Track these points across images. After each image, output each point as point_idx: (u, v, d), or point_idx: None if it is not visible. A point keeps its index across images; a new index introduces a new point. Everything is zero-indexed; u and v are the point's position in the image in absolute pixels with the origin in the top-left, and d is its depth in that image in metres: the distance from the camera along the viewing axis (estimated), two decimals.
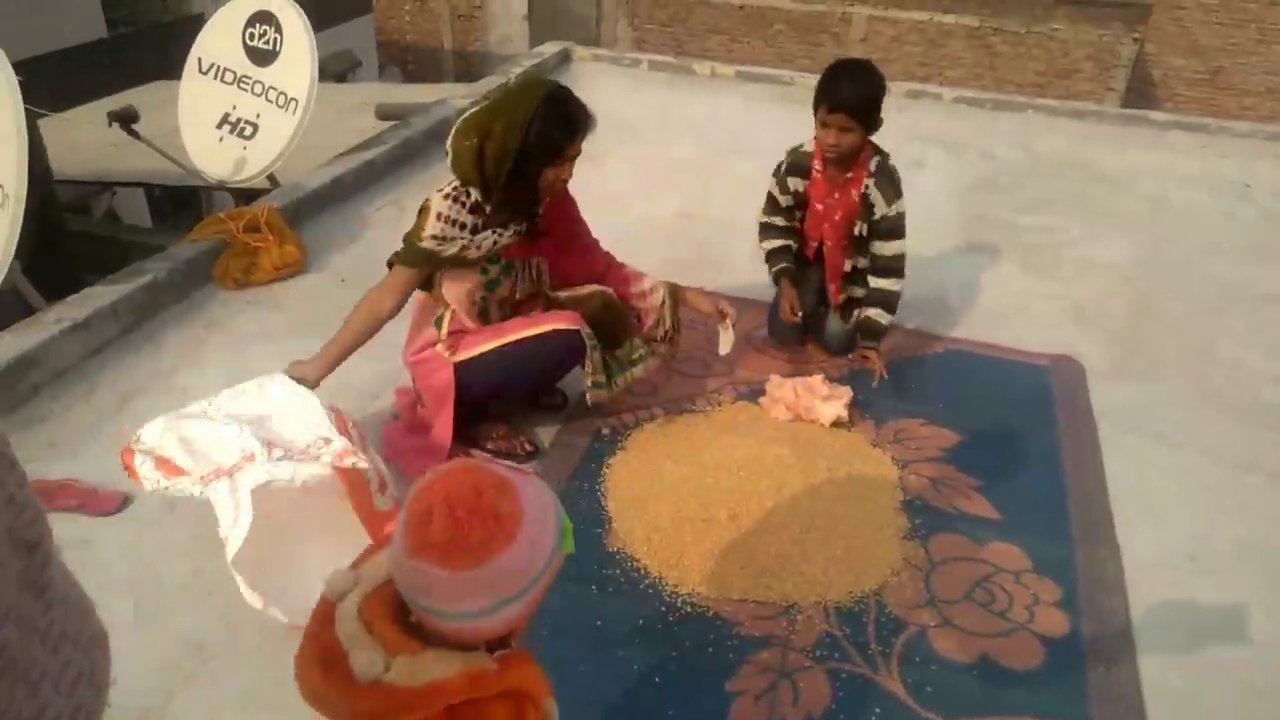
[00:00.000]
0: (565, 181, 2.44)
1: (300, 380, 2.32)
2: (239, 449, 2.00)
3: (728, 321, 2.75)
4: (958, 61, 13.12)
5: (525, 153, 2.26)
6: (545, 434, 2.68)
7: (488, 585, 1.05)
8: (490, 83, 5.57)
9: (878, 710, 1.91)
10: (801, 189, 2.97)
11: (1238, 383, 3.14)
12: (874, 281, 2.95)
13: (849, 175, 2.85)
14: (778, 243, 3.08)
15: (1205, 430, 2.89)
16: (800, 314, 2.98)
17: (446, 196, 2.33)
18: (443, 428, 2.47)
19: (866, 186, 2.83)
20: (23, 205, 3.03)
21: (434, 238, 2.32)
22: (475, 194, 2.33)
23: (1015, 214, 4.38)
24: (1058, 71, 12.85)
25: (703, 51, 13.62)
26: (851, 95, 2.68)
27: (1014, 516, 2.44)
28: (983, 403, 2.90)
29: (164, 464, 2.10)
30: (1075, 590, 2.23)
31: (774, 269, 3.09)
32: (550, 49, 6.37)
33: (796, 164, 2.97)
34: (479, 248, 2.37)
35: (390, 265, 2.47)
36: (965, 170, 4.88)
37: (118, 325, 3.02)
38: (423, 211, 2.36)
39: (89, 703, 0.77)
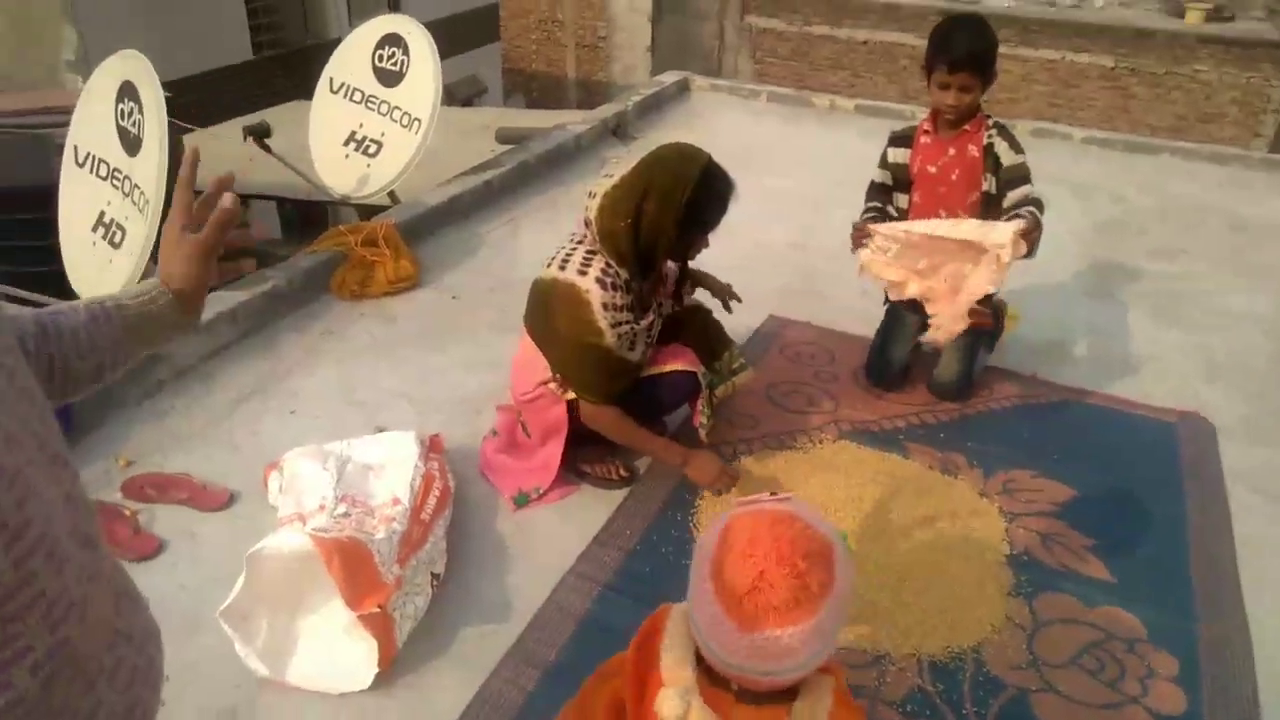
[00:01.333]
0: (702, 249, 2.44)
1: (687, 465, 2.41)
2: (319, 497, 2.09)
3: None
4: (1090, 103, 12.66)
5: (682, 227, 2.24)
6: (641, 461, 2.66)
7: (830, 624, 1.05)
8: (608, 109, 5.64)
9: None
10: (903, 159, 2.86)
11: None
12: (1010, 202, 2.67)
13: (965, 129, 2.74)
14: (873, 207, 2.92)
15: None
16: (872, 243, 2.71)
17: (599, 282, 2.24)
18: (550, 458, 2.47)
19: (990, 137, 2.73)
20: (160, 210, 3.20)
21: (619, 336, 2.26)
22: (625, 273, 2.29)
23: (1146, 260, 4.16)
24: (1199, 116, 12.25)
25: (825, 86, 13.50)
26: (970, 51, 2.60)
27: (1130, 581, 2.29)
28: (1101, 457, 2.74)
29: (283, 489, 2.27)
30: (1196, 665, 2.07)
31: (864, 218, 2.85)
32: (669, 78, 6.43)
33: (899, 136, 2.90)
34: (641, 336, 2.34)
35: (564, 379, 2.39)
36: (1093, 213, 4.67)
37: (237, 329, 3.15)
38: (581, 303, 2.23)
39: (145, 699, 0.79)
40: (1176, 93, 12.23)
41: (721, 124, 5.93)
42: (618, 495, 2.52)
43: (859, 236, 2.75)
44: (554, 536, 2.38)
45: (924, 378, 3.02)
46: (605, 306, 2.24)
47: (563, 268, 2.30)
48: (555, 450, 2.46)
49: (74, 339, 0.98)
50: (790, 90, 6.72)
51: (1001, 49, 2.77)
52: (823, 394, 3.00)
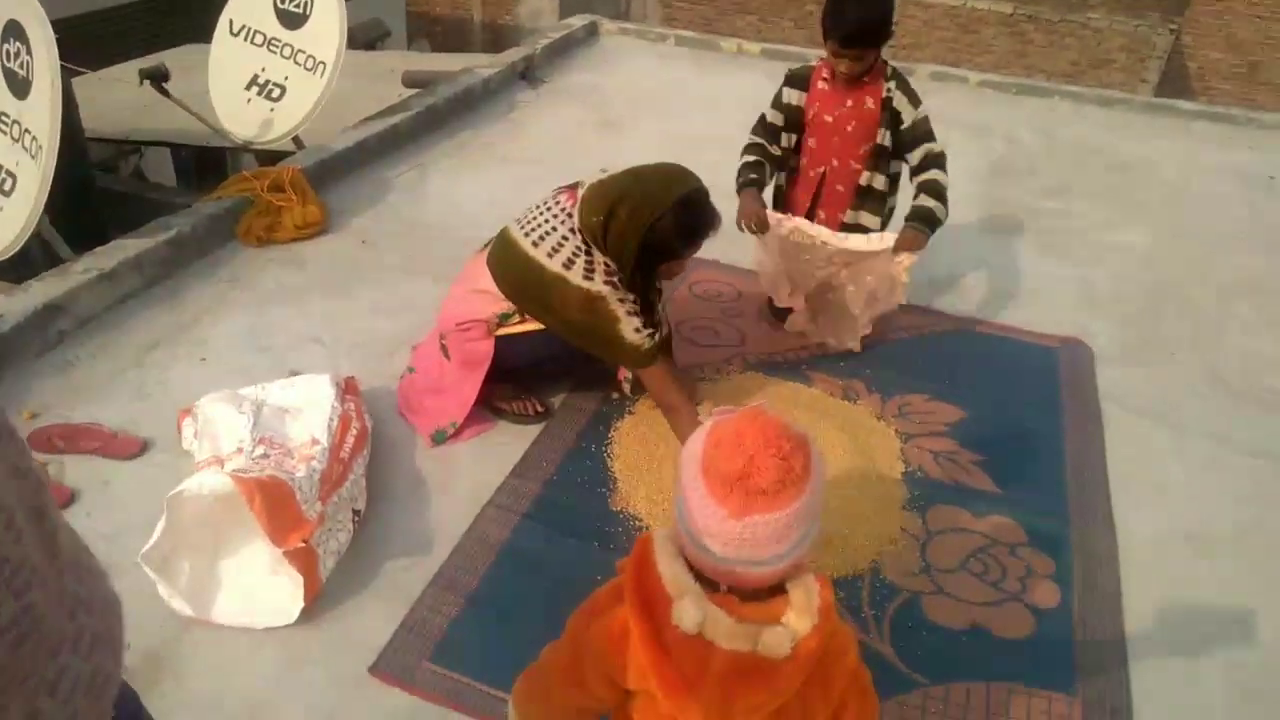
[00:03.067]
0: (679, 274, 2.51)
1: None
2: (237, 440, 2.11)
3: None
4: (989, 48, 12.98)
5: (644, 248, 2.30)
6: (555, 397, 2.73)
7: (811, 510, 1.12)
8: (516, 53, 5.60)
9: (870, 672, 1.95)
10: (796, 101, 2.86)
11: (1248, 370, 3.14)
12: (918, 177, 2.77)
13: (863, 83, 2.76)
14: (752, 158, 2.91)
15: (1212, 416, 2.90)
16: (760, 228, 2.79)
17: (607, 284, 2.32)
18: (469, 392, 2.52)
19: (888, 90, 2.75)
20: (54, 157, 3.10)
21: (635, 329, 2.34)
22: (615, 272, 2.35)
23: (1035, 198, 4.37)
24: (1091, 61, 12.68)
25: (732, 31, 13.52)
26: (860, 28, 2.61)
27: (1013, 491, 2.47)
28: (989, 381, 2.93)
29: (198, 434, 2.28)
30: (1069, 564, 2.26)
31: (743, 179, 2.88)
32: (578, 21, 6.38)
33: (795, 76, 2.89)
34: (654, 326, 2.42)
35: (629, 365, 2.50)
36: (987, 153, 4.87)
37: (142, 278, 3.09)
38: (597, 299, 2.32)
39: (106, 665, 0.78)
40: (1070, 39, 12.63)
41: (630, 67, 5.94)
42: (533, 430, 2.59)
43: (751, 220, 2.79)
44: (472, 471, 2.44)
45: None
46: (621, 301, 2.33)
47: (567, 267, 2.32)
48: (474, 385, 2.51)
49: None
50: (698, 34, 6.75)
51: None
52: (730, 329, 3.10)
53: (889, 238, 2.73)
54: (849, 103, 2.81)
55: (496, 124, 4.86)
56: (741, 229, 2.82)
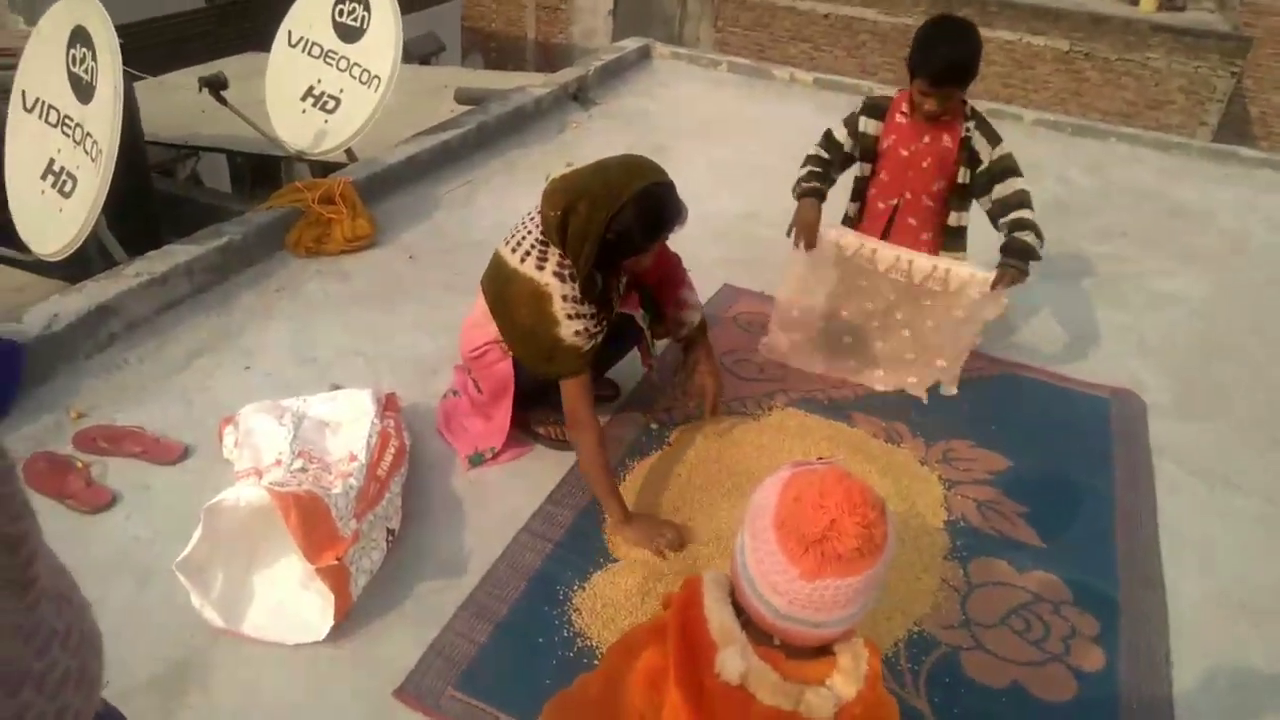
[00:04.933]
0: (645, 266, 2.36)
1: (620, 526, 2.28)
2: (276, 452, 2.12)
3: (705, 406, 2.64)
4: (1044, 85, 12.85)
5: (605, 243, 2.18)
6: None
7: (881, 578, 1.09)
8: (569, 74, 5.63)
9: None
10: (873, 131, 2.80)
11: None
12: (1006, 217, 2.70)
13: (944, 120, 2.71)
14: (816, 169, 2.83)
15: (1268, 475, 2.81)
16: (807, 244, 2.71)
17: (557, 276, 2.22)
18: (502, 416, 2.50)
19: (968, 130, 2.71)
20: (113, 161, 3.15)
21: (575, 332, 2.23)
22: (570, 265, 2.25)
23: (1088, 242, 4.29)
24: (1148, 102, 12.51)
25: (785, 58, 13.53)
26: (951, 67, 2.57)
27: (1058, 546, 2.41)
28: (1037, 429, 2.86)
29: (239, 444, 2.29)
30: (1115, 626, 2.19)
31: (805, 185, 2.79)
32: (631, 44, 6.41)
33: (874, 105, 2.83)
34: (601, 328, 2.31)
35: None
36: (1039, 194, 4.71)
37: (192, 284, 3.12)
38: (543, 296, 2.22)
39: (76, 704, 0.76)
40: (1127, 79, 12.47)
41: (681, 93, 5.95)
42: (570, 456, 2.57)
43: (802, 232, 2.72)
44: (508, 494, 2.43)
45: None
46: (564, 299, 2.23)
47: (523, 260, 2.27)
48: (505, 409, 2.49)
49: None
50: (750, 61, 6.74)
51: None
52: (772, 363, 3.07)
53: (981, 275, 2.65)
54: (927, 139, 2.76)
55: (546, 144, 4.88)
56: (789, 236, 2.76)
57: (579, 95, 5.53)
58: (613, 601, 2.09)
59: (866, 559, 1.06)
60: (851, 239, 2.73)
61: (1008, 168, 2.73)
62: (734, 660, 1.11)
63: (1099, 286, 3.89)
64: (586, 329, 2.26)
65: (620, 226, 2.16)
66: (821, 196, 2.79)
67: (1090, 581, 2.31)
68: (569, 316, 2.23)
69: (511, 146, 4.76)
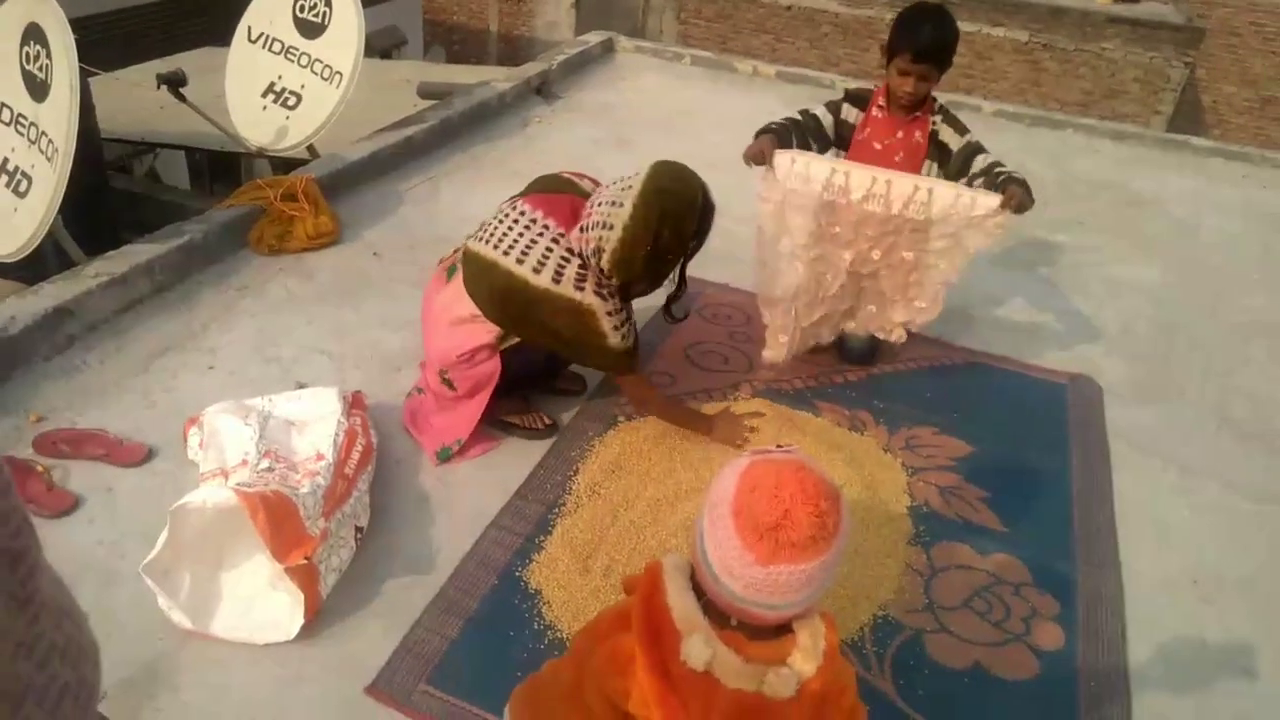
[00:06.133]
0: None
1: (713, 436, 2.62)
2: (242, 452, 2.11)
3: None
4: (1003, 75, 13.01)
5: (689, 251, 2.42)
6: (565, 412, 2.74)
7: (833, 564, 1.12)
8: (532, 68, 5.61)
9: (867, 709, 1.93)
10: (853, 120, 2.87)
11: (1258, 413, 3.13)
12: (995, 177, 2.66)
13: (914, 115, 2.80)
14: (781, 123, 2.82)
15: (1221, 458, 2.88)
16: (755, 160, 2.69)
17: (598, 295, 2.34)
18: (475, 409, 2.50)
19: (934, 124, 2.80)
20: (70, 161, 3.11)
21: (622, 337, 2.40)
22: (615, 282, 2.37)
23: (1046, 231, 4.36)
24: (1105, 92, 12.70)
25: (748, 50, 13.58)
26: (934, 43, 2.65)
27: (1018, 530, 2.46)
28: (997, 416, 2.91)
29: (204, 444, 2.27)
30: (1073, 606, 2.24)
31: (762, 127, 2.78)
32: (594, 38, 6.41)
33: (856, 95, 2.89)
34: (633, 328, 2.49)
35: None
36: None
37: (152, 283, 3.09)
38: (586, 314, 2.34)
39: (73, 718, 0.76)
40: (1084, 69, 12.66)
41: (645, 86, 5.96)
42: (539, 450, 2.59)
43: (754, 152, 2.67)
44: (476, 490, 2.44)
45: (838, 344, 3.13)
46: (609, 314, 2.36)
47: (556, 281, 2.31)
48: (480, 403, 2.50)
49: None
50: (713, 54, 6.77)
51: None
52: (738, 354, 3.10)
53: (982, 198, 2.56)
54: (899, 134, 2.82)
55: (510, 138, 4.87)
56: (746, 161, 2.75)
57: (542, 89, 5.52)
58: (575, 590, 2.11)
59: (819, 545, 1.09)
60: (817, 162, 2.63)
61: (978, 148, 2.79)
62: (698, 648, 1.15)
63: (1058, 275, 3.96)
64: (630, 330, 2.44)
65: (703, 228, 2.38)
66: (779, 140, 2.75)
67: (1049, 563, 2.36)
68: (615, 328, 2.37)
69: (476, 141, 4.75)
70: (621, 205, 2.29)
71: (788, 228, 2.70)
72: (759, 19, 14.10)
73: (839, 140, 2.93)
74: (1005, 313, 3.60)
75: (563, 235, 2.37)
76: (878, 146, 2.87)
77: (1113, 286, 3.91)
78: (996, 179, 2.64)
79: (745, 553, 1.10)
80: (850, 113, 2.88)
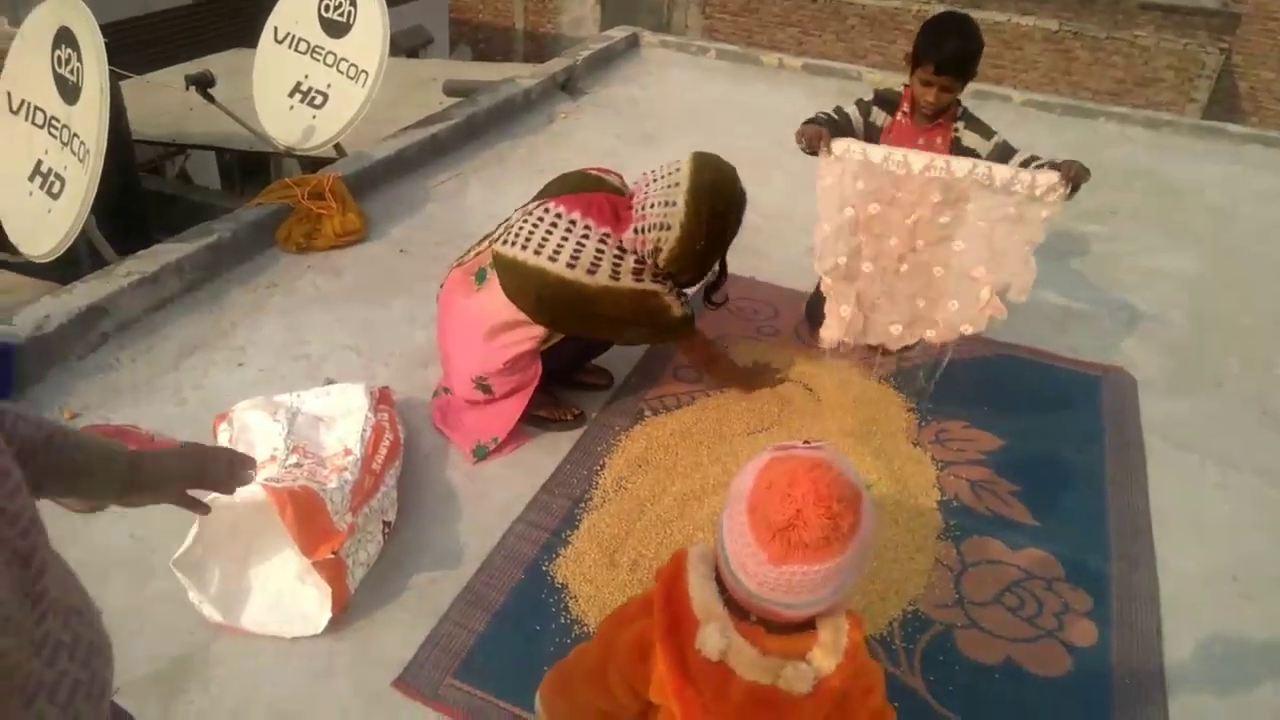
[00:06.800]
0: None
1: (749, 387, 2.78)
2: (271, 448, 2.12)
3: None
4: (1033, 65, 12.86)
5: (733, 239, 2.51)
6: (589, 405, 2.74)
7: (852, 566, 1.11)
8: (557, 65, 5.62)
9: (896, 705, 1.90)
10: (880, 123, 2.86)
11: None
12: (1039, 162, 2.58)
13: (939, 121, 2.77)
14: (823, 115, 2.76)
15: (1260, 450, 2.83)
16: (810, 145, 2.61)
17: (656, 281, 2.40)
18: (514, 408, 2.51)
19: (956, 130, 2.76)
20: (101, 162, 3.15)
21: (682, 305, 2.47)
22: (664, 274, 2.43)
23: (1078, 221, 4.29)
24: (1137, 80, 12.51)
25: (774, 44, 13.51)
26: (958, 55, 2.62)
27: (1051, 524, 2.42)
28: (1029, 409, 2.87)
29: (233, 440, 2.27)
30: (1107, 602, 2.21)
31: (809, 119, 2.71)
32: (619, 34, 6.40)
33: (886, 97, 2.86)
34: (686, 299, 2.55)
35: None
36: None
37: (183, 282, 3.13)
38: (649, 295, 2.39)
39: (85, 713, 0.77)
40: (1116, 57, 12.47)
41: (670, 80, 5.94)
42: (565, 444, 2.59)
43: (813, 137, 2.59)
44: (504, 485, 2.44)
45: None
46: (669, 291, 2.43)
47: (615, 277, 2.33)
48: (519, 402, 2.50)
49: (31, 448, 0.97)
50: (738, 48, 6.74)
51: (949, 9, 2.75)
52: (765, 345, 3.07)
53: (1041, 175, 2.47)
54: (920, 141, 2.77)
55: (536, 135, 4.87)
56: (800, 144, 2.67)
57: (567, 85, 5.52)
58: (602, 584, 2.11)
59: (833, 546, 1.07)
60: (873, 148, 2.57)
61: (1006, 150, 2.72)
62: (714, 637, 1.14)
63: (1091, 266, 3.90)
64: (687, 302, 2.52)
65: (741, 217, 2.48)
66: (828, 128, 2.67)
67: (1082, 558, 2.32)
68: (676, 299, 2.46)
69: (501, 138, 4.76)
70: (674, 204, 2.33)
71: (847, 196, 2.59)
72: (784, 12, 14.03)
73: (865, 138, 2.83)
74: (1037, 304, 3.53)
75: (609, 235, 2.37)
76: None
77: (1147, 276, 3.84)
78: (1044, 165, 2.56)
79: (759, 551, 1.09)
80: (879, 116, 2.86)
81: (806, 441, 1.21)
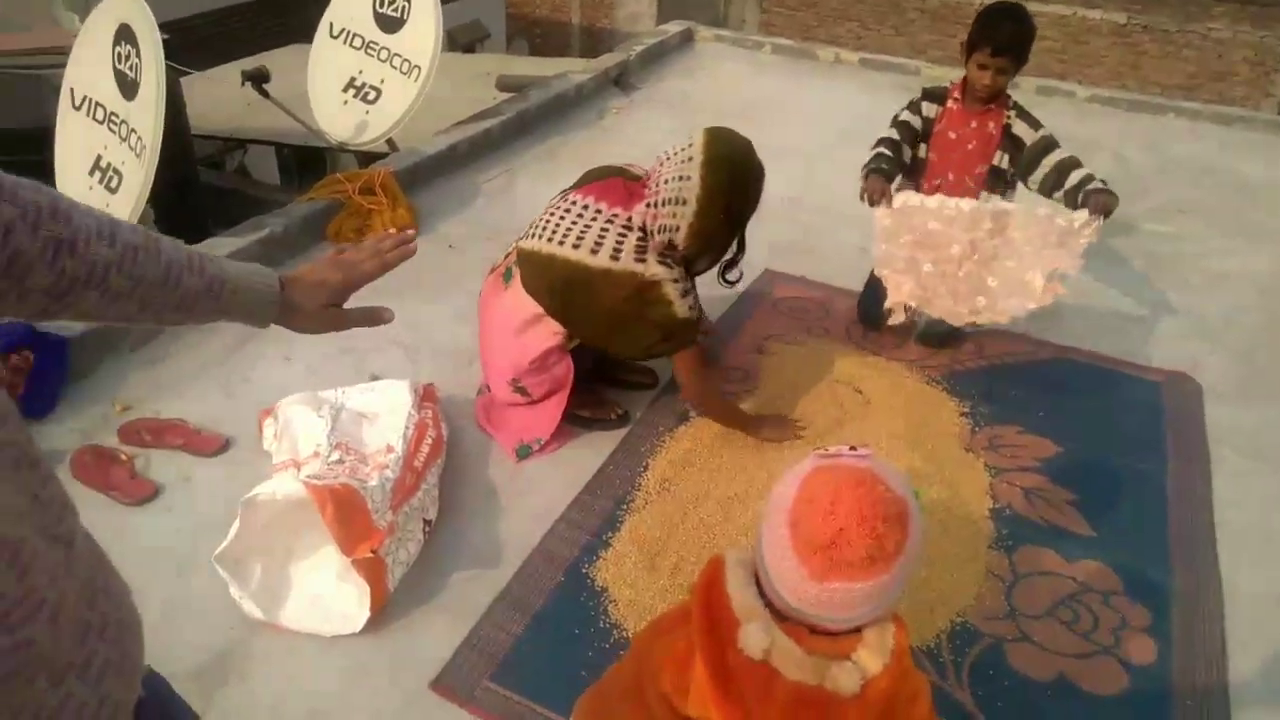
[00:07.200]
0: None
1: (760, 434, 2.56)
2: (314, 444, 2.12)
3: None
4: (1100, 60, 12.49)
5: (753, 212, 2.42)
6: (633, 405, 2.71)
7: (897, 582, 1.07)
8: (610, 59, 5.59)
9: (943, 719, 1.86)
10: (931, 114, 2.97)
11: None
12: (1070, 180, 2.76)
13: (991, 106, 2.88)
14: (886, 151, 2.89)
15: None
16: (872, 200, 2.76)
17: (662, 264, 2.29)
18: (555, 408, 2.49)
19: (1008, 118, 2.87)
20: (157, 156, 3.19)
21: (689, 306, 2.34)
22: (678, 254, 2.34)
23: (1144, 220, 4.15)
24: (1210, 75, 12.08)
25: (832, 38, 13.32)
26: (1013, 39, 2.75)
27: (1109, 535, 2.33)
28: (1087, 415, 2.77)
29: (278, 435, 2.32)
30: (1168, 618, 2.11)
31: (870, 167, 2.85)
32: (673, 28, 6.35)
33: (934, 92, 3.00)
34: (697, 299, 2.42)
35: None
36: (1095, 172, 4.63)
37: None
38: (650, 286, 2.28)
39: (117, 693, 0.77)
40: (1188, 50, 12.06)
41: (723, 75, 5.88)
42: (609, 444, 2.56)
43: (875, 193, 2.75)
44: (546, 484, 2.42)
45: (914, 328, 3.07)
46: (674, 282, 2.31)
47: (615, 258, 2.27)
48: (560, 401, 2.48)
49: (98, 242, 0.90)
50: (794, 42, 6.64)
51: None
52: (814, 344, 3.01)
53: (1070, 216, 2.66)
54: (973, 124, 2.90)
55: (588, 130, 4.85)
56: (863, 200, 2.81)
57: (620, 80, 5.49)
58: (643, 588, 2.08)
59: (878, 565, 1.03)
60: (931, 200, 2.76)
61: (1052, 142, 2.83)
62: (757, 635, 1.10)
63: (1156, 267, 3.76)
64: (696, 301, 2.38)
65: (761, 187, 2.39)
66: (888, 177, 2.86)
67: (1142, 571, 2.23)
68: (682, 295, 2.32)
69: (552, 133, 4.75)
70: (689, 178, 2.26)
71: (905, 228, 2.79)
72: (843, 6, 13.82)
73: (921, 135, 2.99)
74: (1097, 306, 3.43)
75: (617, 215, 2.34)
76: (952, 136, 2.93)
77: (1216, 278, 3.69)
78: (1077, 195, 2.72)
79: (799, 566, 1.05)
80: (930, 109, 2.97)
81: (853, 448, 1.16)
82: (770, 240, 3.66)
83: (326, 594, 2.00)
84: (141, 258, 0.94)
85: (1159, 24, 12.03)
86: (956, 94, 2.92)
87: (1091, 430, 2.70)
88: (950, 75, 5.86)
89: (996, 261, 2.75)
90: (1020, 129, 2.85)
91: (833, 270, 3.48)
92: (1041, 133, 2.84)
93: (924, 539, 1.10)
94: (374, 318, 1.26)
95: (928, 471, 2.44)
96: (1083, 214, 2.64)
